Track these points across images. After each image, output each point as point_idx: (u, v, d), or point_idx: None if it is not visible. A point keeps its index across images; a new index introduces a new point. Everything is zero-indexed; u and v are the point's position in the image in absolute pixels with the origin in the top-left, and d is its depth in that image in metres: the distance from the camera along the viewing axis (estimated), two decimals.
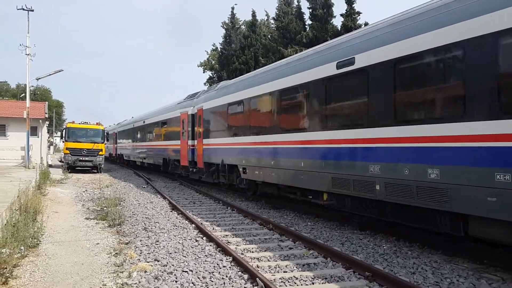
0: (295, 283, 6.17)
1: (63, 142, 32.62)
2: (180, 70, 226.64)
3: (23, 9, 30.58)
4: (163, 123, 24.92)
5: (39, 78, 35.41)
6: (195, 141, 18.85)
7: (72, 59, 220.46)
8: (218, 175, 16.70)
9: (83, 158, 30.75)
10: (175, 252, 7.90)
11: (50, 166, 32.85)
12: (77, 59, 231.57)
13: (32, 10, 30.83)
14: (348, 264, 6.92)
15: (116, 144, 44.84)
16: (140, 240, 8.85)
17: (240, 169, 14.27)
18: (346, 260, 7.06)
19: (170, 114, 23.52)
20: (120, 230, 10.16)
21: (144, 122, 30.24)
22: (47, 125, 41.81)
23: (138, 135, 32.35)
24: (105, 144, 33.45)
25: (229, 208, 13.53)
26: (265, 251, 8.08)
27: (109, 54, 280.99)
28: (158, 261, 7.27)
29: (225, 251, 7.81)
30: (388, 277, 6.06)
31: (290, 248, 8.28)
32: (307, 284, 6.13)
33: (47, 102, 41.76)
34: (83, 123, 32.17)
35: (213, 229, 10.14)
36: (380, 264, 7.05)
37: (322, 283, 6.15)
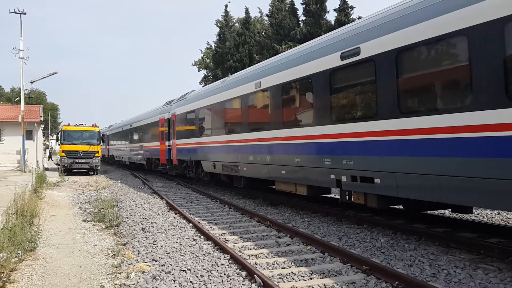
0: (293, 279, 6.18)
1: (59, 145, 32.53)
2: (177, 70, 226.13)
3: (16, 12, 30.55)
4: None
5: (33, 81, 35.42)
6: None
7: (66, 60, 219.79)
8: None
9: (79, 161, 30.69)
10: (173, 251, 7.90)
11: (46, 169, 32.77)
12: (71, 60, 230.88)
13: (25, 13, 30.82)
14: (345, 258, 6.94)
15: (176, 138, 21.40)
16: (138, 241, 8.85)
17: None
18: (344, 254, 7.08)
19: None
20: (118, 231, 10.16)
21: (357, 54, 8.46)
22: (42, 128, 41.69)
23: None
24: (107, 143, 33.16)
25: (226, 206, 13.54)
26: (263, 248, 8.09)
27: (105, 54, 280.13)
28: (156, 261, 7.26)
29: (223, 249, 7.81)
30: (385, 270, 6.08)
31: (288, 244, 8.30)
32: (305, 280, 6.14)
33: (41, 105, 41.69)
34: (78, 125, 32.10)
35: (211, 227, 10.15)
36: (377, 258, 7.07)
37: (320, 278, 6.17)
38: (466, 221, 9.18)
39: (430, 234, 8.20)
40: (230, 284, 5.99)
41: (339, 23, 30.94)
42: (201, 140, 17.71)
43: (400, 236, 8.53)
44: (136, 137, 31.47)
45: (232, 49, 42.84)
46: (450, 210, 9.43)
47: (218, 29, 48.31)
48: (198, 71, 59.27)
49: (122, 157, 38.06)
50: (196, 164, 18.90)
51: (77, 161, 30.68)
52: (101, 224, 11.11)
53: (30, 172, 24.78)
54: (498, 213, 10.56)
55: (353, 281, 5.97)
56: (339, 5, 32.87)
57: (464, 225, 8.77)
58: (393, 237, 8.48)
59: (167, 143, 22.80)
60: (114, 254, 7.93)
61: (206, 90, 18.19)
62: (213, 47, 50.60)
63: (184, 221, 11.05)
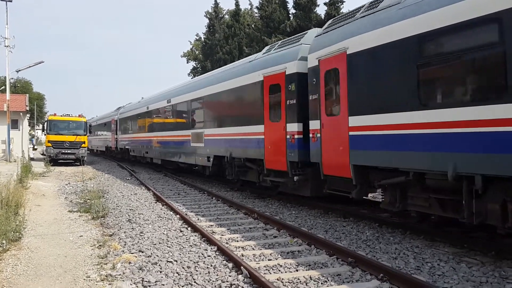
0: (279, 271, 6.22)
1: (45, 135, 32.13)
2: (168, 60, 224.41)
3: (1, 0, 29.93)
4: None
5: (19, 70, 34.84)
6: None
7: (53, 50, 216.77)
8: None
9: (66, 151, 30.35)
10: (159, 243, 7.88)
11: (32, 159, 32.38)
12: (59, 50, 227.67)
13: (11, 1, 30.23)
14: (331, 251, 7.00)
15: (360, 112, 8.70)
16: (124, 232, 8.81)
17: None
18: (330, 247, 7.14)
19: None
20: (104, 222, 10.10)
21: None
22: (28, 118, 41.13)
23: None
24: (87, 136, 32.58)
25: (214, 198, 13.53)
26: (250, 240, 8.12)
27: (94, 44, 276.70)
28: (142, 252, 7.25)
29: (210, 241, 7.82)
30: (370, 263, 6.15)
31: (275, 237, 8.34)
32: (291, 272, 6.19)
33: (27, 95, 41.06)
34: (65, 115, 31.71)
35: (198, 219, 10.15)
36: (363, 250, 7.14)
37: (306, 270, 6.22)
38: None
39: (415, 227, 8.30)
40: (217, 275, 6.01)
41: (329, 17, 30.94)
42: None
43: (385, 230, 8.62)
44: (183, 120, 19.04)
45: (222, 41, 42.67)
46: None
47: (208, 21, 48.07)
48: (187, 62, 59.01)
49: (147, 152, 25.13)
50: None
51: (63, 151, 30.33)
52: (87, 215, 11.02)
53: (15, 161, 24.46)
54: None
55: (338, 273, 6.03)
56: None
57: (448, 219, 8.87)
58: (378, 230, 8.57)
59: (291, 126, 10.78)
60: (100, 245, 7.89)
61: None
62: (203, 39, 50.34)
63: (171, 212, 11.03)
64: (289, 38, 12.47)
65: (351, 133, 8.60)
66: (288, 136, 10.82)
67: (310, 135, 10.03)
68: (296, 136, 10.57)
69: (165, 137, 21.41)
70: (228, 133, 14.22)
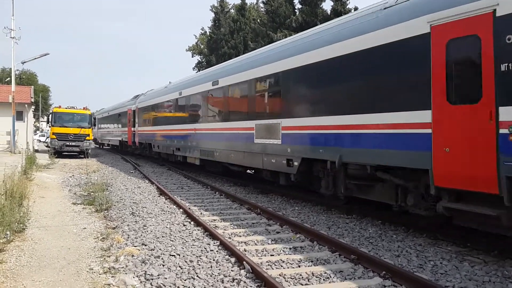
0: (281, 266, 6.23)
1: (50, 127, 32.24)
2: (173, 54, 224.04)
3: None
4: None
5: (25, 62, 34.94)
6: None
7: (59, 42, 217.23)
8: None
9: (70, 143, 30.45)
10: (162, 236, 7.91)
11: (37, 151, 32.49)
12: (64, 42, 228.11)
13: None
14: (334, 247, 7.00)
15: None
16: (128, 225, 8.84)
17: None
18: (332, 243, 7.14)
19: None
20: (107, 215, 10.13)
21: None
22: (33, 109, 41.29)
23: None
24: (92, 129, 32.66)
25: (217, 193, 13.55)
26: (252, 235, 8.13)
27: (99, 37, 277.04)
28: (145, 245, 7.27)
29: (212, 236, 7.84)
30: (372, 260, 6.15)
31: (278, 232, 8.34)
32: (293, 267, 6.19)
33: (33, 87, 41.27)
34: (70, 108, 31.81)
35: (201, 213, 10.17)
36: (365, 248, 7.14)
37: (308, 266, 6.22)
38: None
39: (418, 226, 8.28)
40: (219, 270, 6.03)
41: (335, 12, 30.81)
42: None
43: (388, 227, 8.61)
44: (241, 107, 13.87)
45: (227, 36, 42.61)
46: None
47: (213, 15, 48.02)
48: (192, 56, 59.03)
49: (179, 149, 19.71)
50: None
51: (68, 143, 30.44)
52: (90, 207, 11.06)
53: (20, 153, 24.57)
54: None
55: (341, 270, 6.04)
56: None
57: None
58: (381, 228, 8.56)
59: None
60: (103, 238, 7.92)
61: None
62: (208, 33, 50.31)
63: (174, 206, 11.06)
64: None
65: None
66: (503, 131, 5.86)
67: None
68: None
69: (208, 130, 16.16)
70: (337, 124, 9.08)
